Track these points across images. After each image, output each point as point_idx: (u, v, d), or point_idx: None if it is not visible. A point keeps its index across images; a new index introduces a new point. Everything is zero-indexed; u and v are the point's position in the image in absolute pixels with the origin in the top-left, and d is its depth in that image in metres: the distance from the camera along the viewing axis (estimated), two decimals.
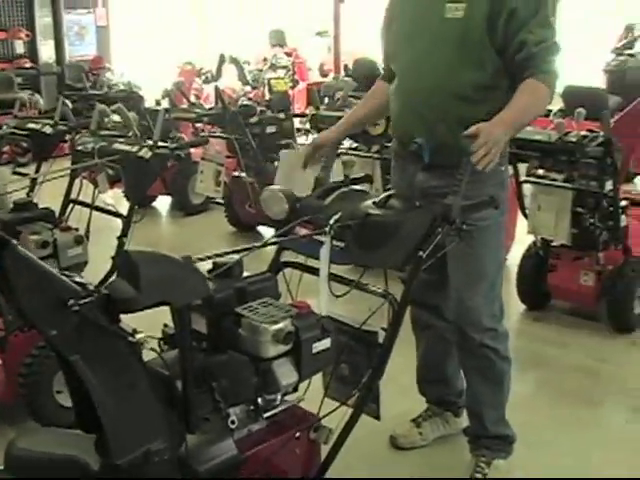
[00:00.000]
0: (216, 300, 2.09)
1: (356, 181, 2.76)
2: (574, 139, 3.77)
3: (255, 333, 2.01)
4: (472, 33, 2.54)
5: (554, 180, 4.07)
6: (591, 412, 3.48)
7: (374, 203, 2.40)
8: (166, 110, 6.09)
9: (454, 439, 3.17)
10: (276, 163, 5.68)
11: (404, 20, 2.75)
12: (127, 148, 3.35)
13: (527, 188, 4.20)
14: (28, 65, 12.16)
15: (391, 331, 2.29)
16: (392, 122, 2.88)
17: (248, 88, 10.88)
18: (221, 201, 6.01)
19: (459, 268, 2.76)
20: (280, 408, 2.22)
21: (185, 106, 6.24)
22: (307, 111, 5.58)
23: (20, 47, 12.42)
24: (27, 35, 12.34)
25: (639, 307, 4.23)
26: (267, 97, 7.26)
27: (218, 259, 2.20)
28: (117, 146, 3.39)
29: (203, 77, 12.64)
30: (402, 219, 2.32)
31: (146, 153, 3.28)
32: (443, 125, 2.62)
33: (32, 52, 12.60)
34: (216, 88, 5.62)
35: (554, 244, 4.25)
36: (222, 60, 12.11)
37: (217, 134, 5.75)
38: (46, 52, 12.89)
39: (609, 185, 3.92)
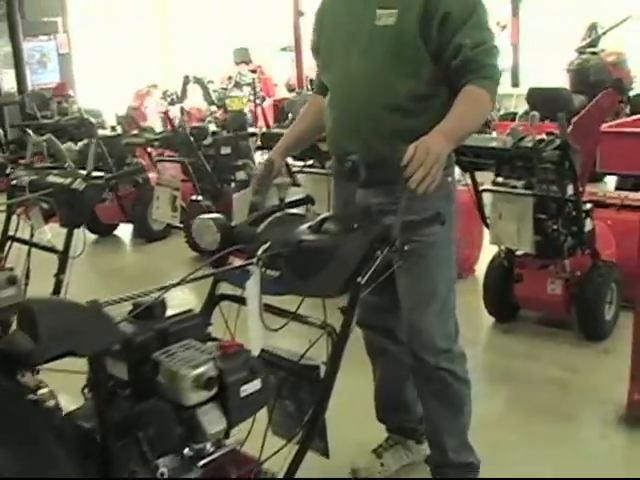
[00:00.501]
0: (135, 344, 1.92)
1: (295, 204, 2.63)
2: (530, 144, 3.62)
3: (174, 380, 1.83)
4: (405, 40, 2.39)
5: (514, 187, 3.92)
6: (565, 428, 3.32)
7: (309, 227, 2.25)
8: (118, 136, 5.97)
9: (418, 467, 3.00)
10: (233, 185, 5.54)
11: (334, 29, 2.60)
12: (59, 180, 3.16)
13: (487, 197, 4.05)
14: None
15: (331, 366, 2.11)
16: (327, 138, 2.72)
17: (214, 108, 10.77)
18: (180, 226, 5.83)
19: (408, 288, 2.60)
20: (218, 454, 2.04)
21: (135, 131, 6.08)
22: (256, 130, 5.41)
23: None
24: None
25: (609, 313, 4.09)
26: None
27: (139, 299, 2.03)
28: (50, 179, 3.20)
29: (169, 99, 12.53)
30: (338, 243, 2.16)
31: (79, 184, 3.10)
32: (379, 139, 2.47)
33: None
34: (165, 112, 5.45)
35: (519, 253, 4.11)
36: (186, 81, 12.04)
37: (169, 158, 5.58)
38: (8, 81, 12.73)
39: (570, 189, 3.77)
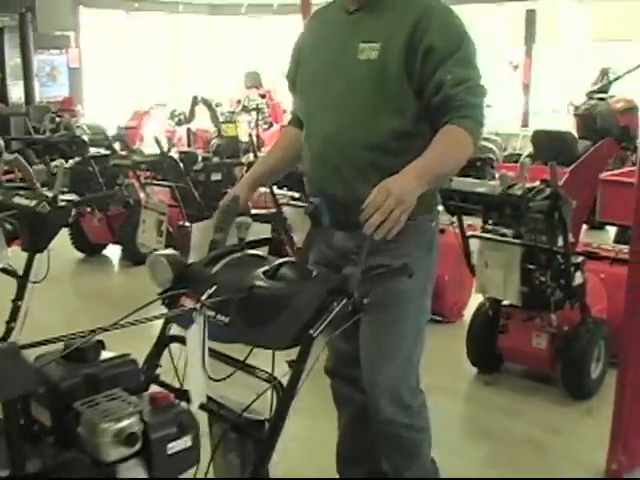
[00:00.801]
0: (58, 390, 1.79)
1: (255, 244, 2.50)
2: (519, 192, 3.47)
3: (93, 433, 1.69)
4: (388, 75, 2.25)
5: (503, 235, 3.78)
6: None
7: (264, 272, 2.11)
8: (106, 156, 5.86)
9: None
10: None
11: (314, 63, 2.46)
12: (25, 202, 3.04)
13: (475, 243, 3.89)
14: None
15: (274, 424, 1.96)
16: (305, 176, 2.58)
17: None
18: None
19: (371, 338, 2.45)
20: None
21: (124, 153, 5.96)
22: (244, 159, 5.29)
23: None
24: None
25: (596, 371, 3.92)
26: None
27: (71, 340, 1.89)
28: (15, 200, 3.08)
29: (176, 119, 12.52)
30: (291, 292, 2.01)
31: (43, 208, 2.97)
32: (361, 179, 2.31)
33: (2, 93, 12.39)
34: (155, 137, 5.33)
35: (505, 303, 3.94)
36: (195, 102, 12.00)
37: (157, 182, 5.45)
38: (16, 93, 12.71)
39: (561, 240, 3.62)
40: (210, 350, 2.15)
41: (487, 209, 3.62)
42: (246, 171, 5.06)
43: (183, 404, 1.88)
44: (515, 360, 4.13)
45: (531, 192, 3.46)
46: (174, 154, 5.41)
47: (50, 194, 3.05)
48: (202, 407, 2.13)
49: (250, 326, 2.03)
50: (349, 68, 2.32)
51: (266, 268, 2.12)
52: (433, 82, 2.22)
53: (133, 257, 6.36)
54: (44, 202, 2.99)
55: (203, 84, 14.57)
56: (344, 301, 1.99)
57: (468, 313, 4.81)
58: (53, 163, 6.47)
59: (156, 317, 2.09)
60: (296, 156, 2.62)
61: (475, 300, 4.43)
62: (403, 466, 2.59)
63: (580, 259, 3.87)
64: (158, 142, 5.32)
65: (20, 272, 3.14)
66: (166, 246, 5.55)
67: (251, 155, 5.19)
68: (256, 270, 2.13)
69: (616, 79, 8.88)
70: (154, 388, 2.14)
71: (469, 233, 3.90)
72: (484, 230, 3.86)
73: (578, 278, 3.82)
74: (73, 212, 3.11)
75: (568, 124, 8.67)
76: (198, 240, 2.54)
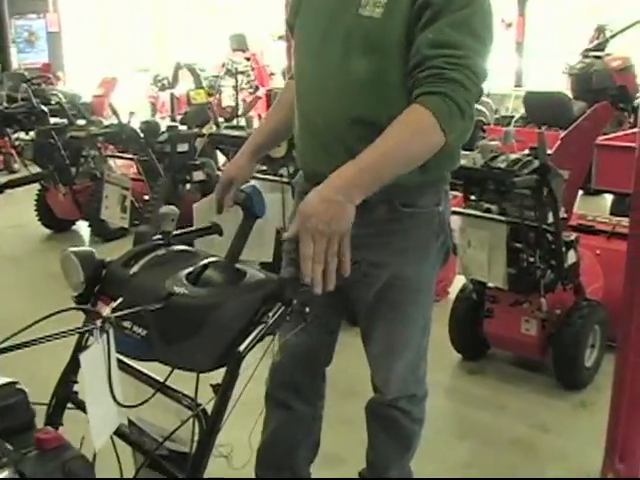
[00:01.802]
0: None
1: (194, 234, 2.16)
2: (502, 165, 3.09)
3: None
4: (389, 40, 1.84)
5: (487, 211, 3.41)
6: None
7: (187, 276, 1.75)
8: (65, 127, 5.48)
9: None
10: (188, 186, 5.04)
11: (314, 12, 2.02)
12: None
13: (455, 220, 3.51)
14: None
15: (195, 459, 1.63)
16: (295, 147, 2.20)
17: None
18: (128, 229, 5.31)
19: (380, 336, 2.19)
20: None
21: (83, 123, 5.56)
22: (204, 130, 4.89)
23: None
24: None
25: (591, 359, 3.58)
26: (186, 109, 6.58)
27: None
28: None
29: (159, 84, 12.12)
30: (217, 301, 1.66)
31: None
32: (350, 158, 1.94)
33: None
34: (110, 104, 4.94)
35: (490, 285, 3.58)
36: (178, 67, 11.59)
37: (118, 154, 5.08)
38: None
39: (551, 217, 3.25)
40: (128, 366, 1.83)
41: (467, 184, 3.23)
42: (208, 144, 4.70)
43: (72, 447, 1.53)
44: (502, 347, 3.78)
45: (516, 165, 3.08)
46: (134, 124, 5.02)
47: None
48: (118, 433, 1.82)
49: (168, 342, 1.68)
50: (348, 24, 1.90)
51: (189, 270, 1.77)
52: (417, 42, 1.79)
53: (102, 233, 5.99)
54: None
55: (188, 48, 14.13)
56: (280, 310, 1.65)
57: (455, 291, 4.47)
58: (14, 135, 6.12)
59: (42, 339, 1.74)
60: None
61: (461, 278, 4.07)
62: (391, 456, 2.43)
63: (573, 236, 3.51)
64: (114, 111, 4.92)
65: None
66: (132, 222, 5.21)
67: (213, 125, 4.80)
68: (179, 272, 1.78)
69: (613, 36, 8.45)
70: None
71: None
72: (467, 205, 3.49)
73: (571, 257, 3.46)
74: None
75: (563, 84, 8.27)
76: (200, 219, 2.19)
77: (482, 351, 3.85)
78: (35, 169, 6.16)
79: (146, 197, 5.15)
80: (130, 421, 1.90)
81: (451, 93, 1.70)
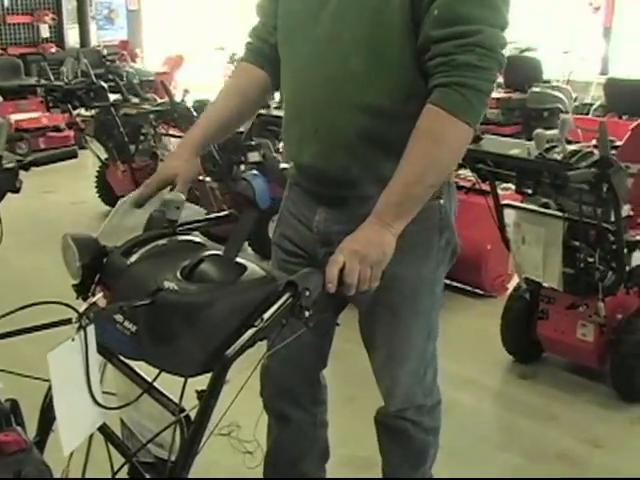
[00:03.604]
0: None
1: (207, 223, 2.02)
2: (558, 156, 2.84)
3: None
4: (389, 9, 1.64)
5: (544, 205, 3.16)
6: None
7: (182, 270, 1.60)
8: (117, 104, 5.41)
9: None
10: (242, 167, 4.89)
11: None
12: None
13: (509, 215, 3.28)
14: (54, 49, 11.62)
15: (174, 469, 1.49)
16: (283, 139, 2.03)
17: None
18: None
19: (379, 343, 2.01)
20: None
21: (137, 100, 5.48)
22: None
23: (45, 31, 11.90)
24: (53, 18, 11.80)
25: None
26: None
27: None
28: None
29: (235, 63, 12.02)
30: (207, 299, 1.51)
31: None
32: (342, 147, 1.77)
33: (58, 36, 12.08)
34: (161, 81, 4.81)
35: (545, 285, 3.34)
36: None
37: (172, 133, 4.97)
38: (73, 36, 12.39)
39: (613, 215, 2.99)
40: (119, 361, 1.70)
41: (520, 176, 2.99)
42: (257, 125, 4.54)
43: (36, 452, 1.40)
44: (556, 351, 3.53)
45: (574, 157, 2.82)
46: (188, 102, 4.90)
47: None
48: (103, 433, 1.70)
49: (155, 342, 1.54)
50: None
51: (186, 264, 1.62)
52: (423, 20, 1.61)
53: None
54: None
55: None
56: (279, 312, 1.49)
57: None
58: (75, 111, 6.10)
59: (28, 330, 1.62)
60: (254, 103, 2.05)
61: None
62: (406, 470, 2.21)
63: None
64: (166, 88, 4.80)
65: None
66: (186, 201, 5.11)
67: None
68: (176, 265, 1.63)
69: None
70: None
71: (504, 202, 3.29)
72: (524, 199, 3.25)
73: (636, 259, 3.19)
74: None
75: None
76: (116, 216, 2.00)
77: (535, 354, 3.61)
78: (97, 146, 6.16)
79: (200, 177, 5.03)
80: (122, 421, 1.78)
81: (466, 80, 1.56)
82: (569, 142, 3.18)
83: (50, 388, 1.71)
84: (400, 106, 1.71)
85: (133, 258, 1.70)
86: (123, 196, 6.02)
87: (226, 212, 2.09)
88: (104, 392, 1.55)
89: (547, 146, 2.88)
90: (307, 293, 1.48)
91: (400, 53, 1.67)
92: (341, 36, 1.72)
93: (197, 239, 1.83)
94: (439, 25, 1.58)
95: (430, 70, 1.61)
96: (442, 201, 1.87)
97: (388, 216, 1.59)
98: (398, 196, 1.59)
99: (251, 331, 1.47)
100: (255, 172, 1.64)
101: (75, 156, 2.84)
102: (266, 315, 1.48)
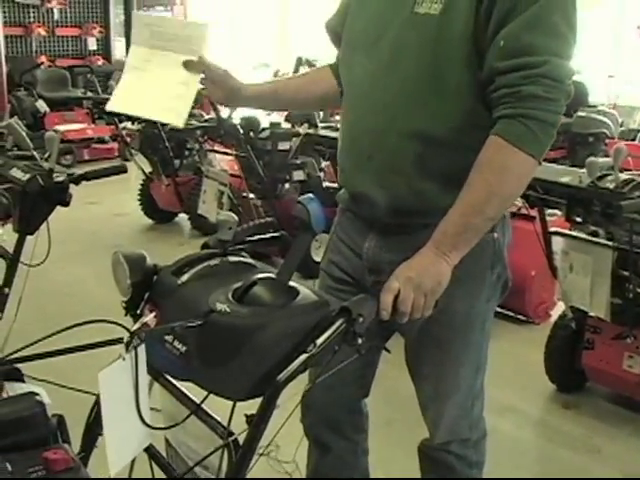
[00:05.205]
0: None
1: (255, 243, 2.02)
2: (610, 185, 2.80)
3: None
4: (450, 37, 1.63)
5: (593, 234, 3.12)
6: None
7: (235, 291, 1.60)
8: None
9: None
10: (287, 185, 4.91)
11: (363, 15, 1.84)
12: (19, 175, 2.61)
13: (557, 242, 3.24)
14: (100, 62, 11.81)
15: None
16: (338, 164, 2.01)
17: None
18: None
19: (426, 375, 1.99)
20: None
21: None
22: (301, 130, 4.74)
23: (93, 44, 12.10)
24: (100, 31, 11.99)
25: None
26: None
27: None
28: (12, 172, 2.66)
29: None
30: (259, 322, 1.50)
31: (35, 182, 2.54)
32: (397, 177, 1.76)
33: (105, 49, 12.27)
34: (208, 97, 4.81)
35: (591, 314, 3.29)
36: (299, 63, 11.52)
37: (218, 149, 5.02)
38: (119, 49, 12.57)
39: None
40: (167, 382, 1.71)
41: (571, 204, 2.96)
42: (304, 144, 4.56)
43: (83, 470, 1.41)
44: (601, 382, 3.48)
45: (628, 185, 2.79)
46: (234, 120, 4.94)
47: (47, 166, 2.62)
48: (149, 454, 1.70)
49: (205, 363, 1.54)
50: (402, 24, 1.71)
51: (238, 285, 1.62)
52: (488, 50, 1.60)
53: (201, 227, 5.96)
54: (37, 176, 2.56)
55: (310, 44, 14.08)
56: (329, 338, 1.48)
57: (557, 314, 4.17)
58: (121, 124, 6.15)
59: (81, 348, 1.63)
60: (316, 98, 2.10)
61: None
62: None
63: None
64: (214, 105, 4.85)
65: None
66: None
67: (306, 125, 4.66)
68: (227, 287, 1.63)
69: None
70: None
71: (552, 229, 3.25)
72: (573, 227, 3.21)
73: None
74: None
75: None
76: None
77: (579, 384, 3.56)
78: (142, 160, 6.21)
79: (243, 194, 5.07)
80: (167, 441, 1.78)
81: (531, 112, 1.56)
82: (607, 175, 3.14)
83: (96, 403, 1.73)
84: (457, 136, 1.70)
85: (184, 278, 1.72)
86: (166, 210, 6.10)
87: (277, 234, 2.09)
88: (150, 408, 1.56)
89: (599, 174, 2.85)
90: (361, 319, 1.48)
91: (459, 82, 1.67)
92: (400, 64, 1.72)
93: (248, 260, 1.83)
94: (505, 56, 1.58)
95: (495, 101, 1.61)
96: (496, 235, 1.85)
97: (445, 246, 1.58)
98: (457, 226, 1.59)
99: (303, 356, 1.46)
100: (311, 195, 1.63)
101: (125, 171, 2.88)
102: (319, 341, 1.47)
